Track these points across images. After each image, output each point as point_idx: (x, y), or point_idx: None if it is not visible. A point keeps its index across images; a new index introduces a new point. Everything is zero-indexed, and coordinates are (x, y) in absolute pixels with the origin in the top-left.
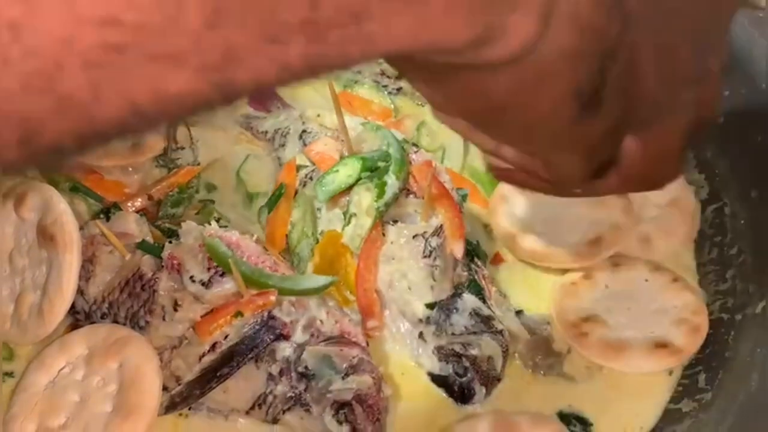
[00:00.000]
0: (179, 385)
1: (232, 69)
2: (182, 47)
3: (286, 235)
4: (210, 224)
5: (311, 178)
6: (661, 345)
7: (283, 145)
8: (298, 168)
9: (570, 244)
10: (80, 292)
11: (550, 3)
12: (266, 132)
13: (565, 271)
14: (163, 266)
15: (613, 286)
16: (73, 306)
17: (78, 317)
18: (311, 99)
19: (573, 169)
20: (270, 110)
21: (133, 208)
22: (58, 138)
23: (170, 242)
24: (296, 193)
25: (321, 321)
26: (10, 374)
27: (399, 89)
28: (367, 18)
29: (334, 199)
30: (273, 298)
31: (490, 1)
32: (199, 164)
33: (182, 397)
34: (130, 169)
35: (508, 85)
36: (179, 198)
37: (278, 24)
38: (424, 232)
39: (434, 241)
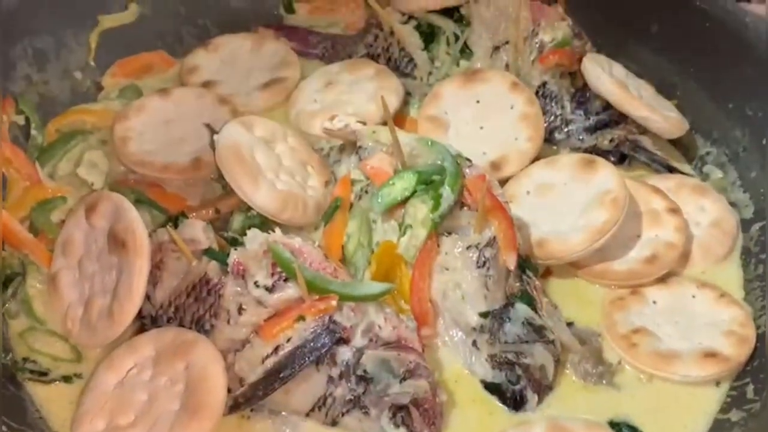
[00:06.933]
0: (242, 386)
1: None
2: None
3: (342, 246)
4: (273, 231)
5: (366, 192)
6: (710, 354)
7: (338, 161)
8: (353, 182)
9: (626, 261)
10: (147, 297)
11: None
12: (322, 149)
13: (613, 285)
14: (228, 272)
15: (661, 302)
16: (139, 311)
17: (144, 321)
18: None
19: None
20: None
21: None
22: None
23: (235, 249)
24: (351, 206)
25: (379, 326)
26: (78, 375)
27: None
28: None
29: (390, 211)
30: (334, 302)
31: None
32: None
33: (246, 398)
34: (190, 183)
35: None
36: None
37: None
38: (478, 244)
39: (488, 252)
